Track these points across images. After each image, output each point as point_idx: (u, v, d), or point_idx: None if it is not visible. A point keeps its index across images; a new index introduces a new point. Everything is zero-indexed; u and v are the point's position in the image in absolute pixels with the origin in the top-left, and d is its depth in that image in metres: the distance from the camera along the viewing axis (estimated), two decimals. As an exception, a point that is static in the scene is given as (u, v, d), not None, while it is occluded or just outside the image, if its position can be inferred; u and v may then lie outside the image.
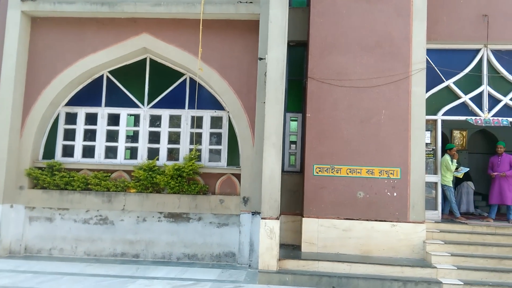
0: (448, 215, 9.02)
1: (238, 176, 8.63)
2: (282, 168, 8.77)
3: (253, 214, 8.16)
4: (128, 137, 9.47)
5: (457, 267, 7.03)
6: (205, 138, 8.97)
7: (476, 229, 7.99)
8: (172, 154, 9.15)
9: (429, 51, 8.45)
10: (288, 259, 7.25)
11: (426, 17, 8.00)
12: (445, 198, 8.90)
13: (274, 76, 7.36)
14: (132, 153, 9.33)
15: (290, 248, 8.20)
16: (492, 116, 8.68)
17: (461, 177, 9.33)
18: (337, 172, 7.92)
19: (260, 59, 8.07)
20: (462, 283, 6.66)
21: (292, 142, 9.42)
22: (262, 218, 7.12)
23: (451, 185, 8.83)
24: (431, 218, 8.33)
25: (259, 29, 8.29)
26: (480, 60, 8.79)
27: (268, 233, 7.05)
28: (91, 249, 8.70)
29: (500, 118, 8.64)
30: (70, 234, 8.78)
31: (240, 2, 8.46)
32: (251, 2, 8.44)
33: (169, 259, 8.56)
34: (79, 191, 8.74)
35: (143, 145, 9.05)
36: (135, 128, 9.28)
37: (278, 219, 7.22)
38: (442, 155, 8.94)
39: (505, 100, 8.70)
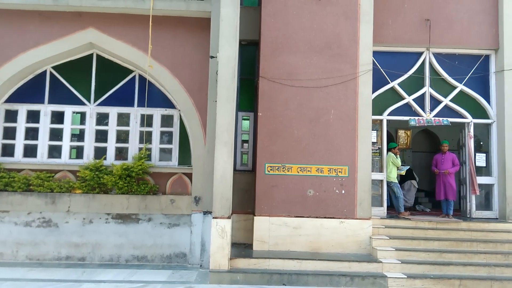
0: (392, 211, 9.40)
1: (189, 176, 8.53)
2: (234, 167, 8.74)
3: (204, 214, 8.10)
4: (73, 135, 9.06)
5: (401, 261, 7.32)
6: (156, 136, 8.78)
7: (419, 224, 8.37)
8: (121, 153, 8.88)
9: (375, 53, 8.74)
10: (239, 258, 7.26)
11: (373, 20, 8.28)
12: (390, 194, 9.27)
13: (226, 75, 7.32)
14: (78, 152, 8.95)
15: (242, 246, 8.21)
16: (433, 116, 9.14)
17: (403, 174, 9.71)
18: (288, 171, 8.03)
19: (212, 57, 8.02)
20: (406, 277, 6.94)
21: (244, 141, 9.43)
22: (213, 218, 7.08)
23: (397, 181, 9.19)
24: (377, 214, 8.64)
25: (210, 26, 8.22)
26: (423, 63, 9.24)
27: (219, 232, 7.02)
28: (34, 253, 8.26)
29: (441, 118, 9.11)
30: (10, 238, 8.29)
31: (191, -1, 8.37)
32: (202, 0, 8.36)
33: (117, 262, 8.30)
34: (20, 193, 8.28)
35: (89, 144, 8.72)
36: (81, 127, 8.90)
37: (230, 218, 7.20)
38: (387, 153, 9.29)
39: (445, 101, 9.20)
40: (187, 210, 8.31)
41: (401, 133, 13.53)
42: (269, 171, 8.02)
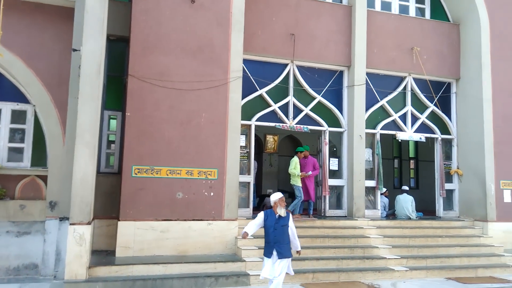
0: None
1: (44, 178, 7.71)
2: (98, 169, 8.25)
3: (61, 220, 7.39)
4: None
5: (263, 259, 7.68)
6: (4, 134, 7.75)
7: (280, 224, 8.91)
8: (-42, 152, 7.63)
9: (246, 61, 9.13)
10: (99, 266, 6.85)
11: (244, 29, 8.61)
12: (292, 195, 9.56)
13: (90, 70, 6.86)
14: None
15: (104, 254, 7.77)
16: (296, 124, 9.90)
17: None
18: (157, 173, 7.86)
19: (74, 50, 7.40)
20: (266, 273, 7.34)
21: (111, 142, 8.94)
22: (70, 224, 6.55)
23: (300, 184, 9.36)
24: (243, 215, 8.95)
25: (74, 17, 7.59)
26: (288, 74, 9.95)
27: (77, 239, 6.52)
28: None
29: (302, 126, 9.92)
30: None
31: (52, -15, 7.63)
32: (65, -13, 7.69)
33: (-51, 279, 7.10)
34: None
35: None
36: None
37: (90, 224, 6.75)
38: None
39: (306, 110, 10.04)
40: (40, 216, 7.51)
41: (269, 137, 14.33)
42: (136, 174, 7.74)
